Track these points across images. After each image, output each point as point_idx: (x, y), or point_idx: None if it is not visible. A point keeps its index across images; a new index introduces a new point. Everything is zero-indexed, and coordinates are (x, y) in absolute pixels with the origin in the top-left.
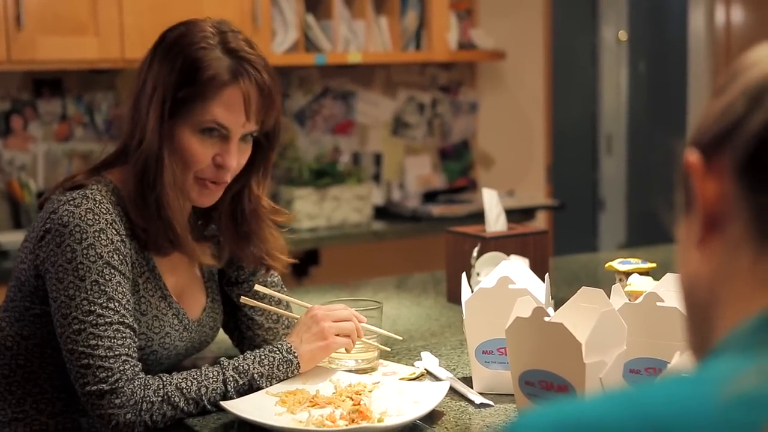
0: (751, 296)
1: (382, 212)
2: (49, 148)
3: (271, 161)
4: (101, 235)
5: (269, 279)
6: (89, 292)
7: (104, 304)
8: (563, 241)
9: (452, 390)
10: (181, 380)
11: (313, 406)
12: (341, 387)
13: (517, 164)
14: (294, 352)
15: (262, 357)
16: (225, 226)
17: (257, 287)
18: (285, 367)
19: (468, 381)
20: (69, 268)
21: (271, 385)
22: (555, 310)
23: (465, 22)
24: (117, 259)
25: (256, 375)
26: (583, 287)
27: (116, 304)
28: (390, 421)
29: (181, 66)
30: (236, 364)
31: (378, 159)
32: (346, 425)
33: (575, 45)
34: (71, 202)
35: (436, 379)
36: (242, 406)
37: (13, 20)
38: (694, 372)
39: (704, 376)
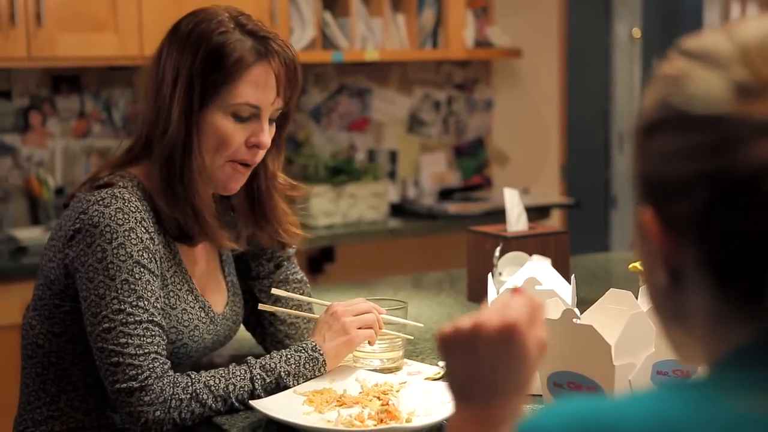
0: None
1: (397, 210)
2: (67, 144)
3: (285, 137)
4: (131, 234)
5: (292, 276)
6: (119, 291)
7: (134, 303)
8: (575, 239)
9: None
10: (209, 378)
11: (341, 405)
12: (368, 387)
13: (531, 162)
14: (319, 350)
15: (288, 356)
16: (241, 206)
17: (274, 291)
18: (312, 365)
19: None
20: (99, 268)
21: (298, 383)
22: (578, 309)
23: (481, 20)
24: (147, 257)
25: (282, 373)
26: (611, 289)
27: (146, 302)
28: (418, 421)
29: (205, 53)
30: (263, 363)
31: (393, 156)
32: (375, 425)
33: (589, 43)
34: (101, 202)
35: None
36: (270, 405)
37: (33, 18)
38: (705, 380)
39: (715, 387)
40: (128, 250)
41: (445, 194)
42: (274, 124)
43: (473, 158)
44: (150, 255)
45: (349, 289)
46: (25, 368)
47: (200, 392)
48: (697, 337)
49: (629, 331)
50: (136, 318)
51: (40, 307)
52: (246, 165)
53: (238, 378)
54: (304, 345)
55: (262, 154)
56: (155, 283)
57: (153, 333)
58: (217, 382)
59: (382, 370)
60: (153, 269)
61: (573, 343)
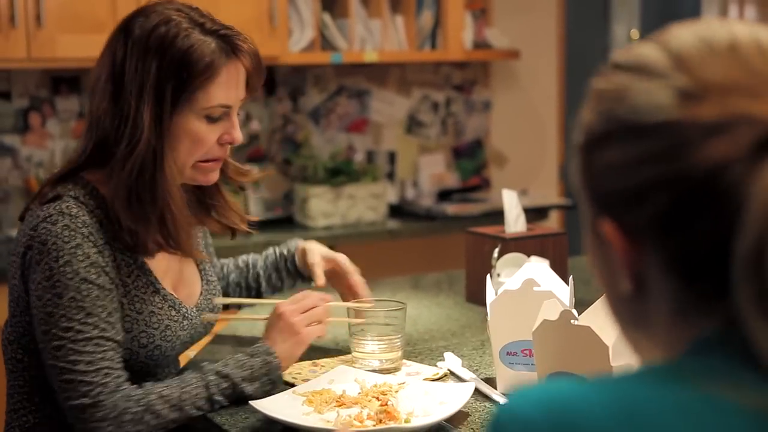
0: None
1: (396, 210)
2: (67, 145)
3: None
4: (77, 251)
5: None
6: (66, 309)
7: (82, 320)
8: (574, 240)
9: (476, 391)
10: (163, 388)
11: (340, 406)
12: (367, 387)
13: (530, 163)
14: (273, 353)
15: (243, 361)
16: (190, 197)
17: (216, 300)
18: (267, 368)
19: (491, 382)
20: (47, 286)
21: (254, 388)
22: (576, 311)
23: (480, 22)
24: (94, 273)
25: (237, 379)
26: None
27: (95, 318)
28: (417, 421)
29: (172, 59)
30: (218, 369)
31: (392, 157)
32: (374, 425)
33: (587, 44)
34: (48, 219)
35: (460, 379)
36: (270, 406)
37: (33, 19)
38: (669, 366)
39: (679, 373)
40: (74, 267)
41: (444, 195)
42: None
43: (472, 159)
44: (98, 270)
45: None
46: (8, 380)
47: (154, 403)
48: (658, 338)
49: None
50: (85, 335)
51: (14, 324)
52: (218, 160)
53: (193, 386)
54: (257, 349)
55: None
56: (107, 297)
57: (104, 348)
58: (171, 392)
59: (381, 371)
60: (102, 283)
61: (571, 344)
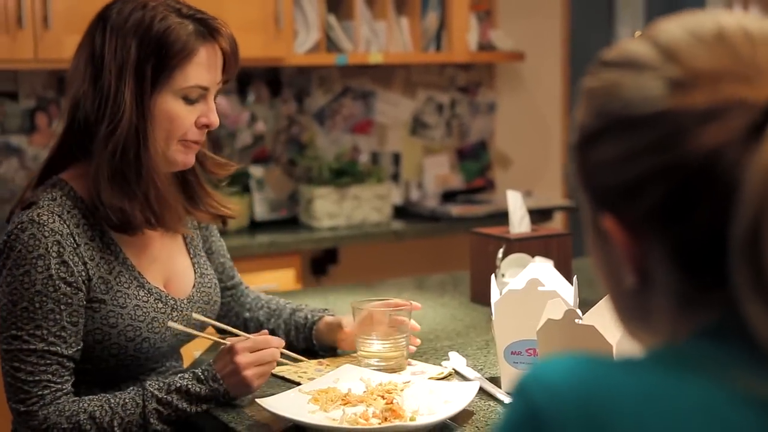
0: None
1: (401, 212)
2: None
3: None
4: (38, 262)
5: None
6: (17, 318)
7: (30, 332)
8: (578, 241)
9: (481, 390)
10: (97, 408)
11: (346, 404)
12: (372, 386)
13: (534, 165)
14: (220, 380)
15: (189, 387)
16: (176, 189)
17: (195, 315)
18: (213, 394)
19: (495, 381)
20: (6, 291)
21: (199, 410)
22: (580, 310)
23: (485, 23)
24: (51, 285)
25: (180, 406)
26: None
27: (44, 331)
28: (422, 420)
29: (149, 39)
30: (159, 397)
31: (397, 159)
32: (379, 423)
33: (592, 45)
34: (19, 227)
35: (465, 379)
36: (276, 404)
37: (40, 20)
38: (682, 353)
39: (693, 361)
40: (32, 278)
41: (448, 196)
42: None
43: (476, 161)
44: (57, 282)
45: (352, 290)
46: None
47: (83, 423)
48: (661, 331)
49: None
50: (30, 347)
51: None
52: (197, 143)
53: (128, 412)
54: (204, 374)
55: (206, 132)
56: (64, 310)
57: (47, 361)
58: (103, 414)
59: (386, 370)
60: (58, 297)
61: (575, 344)
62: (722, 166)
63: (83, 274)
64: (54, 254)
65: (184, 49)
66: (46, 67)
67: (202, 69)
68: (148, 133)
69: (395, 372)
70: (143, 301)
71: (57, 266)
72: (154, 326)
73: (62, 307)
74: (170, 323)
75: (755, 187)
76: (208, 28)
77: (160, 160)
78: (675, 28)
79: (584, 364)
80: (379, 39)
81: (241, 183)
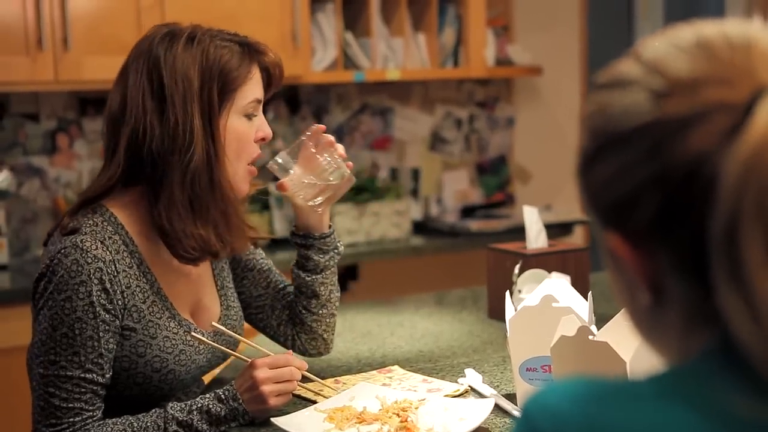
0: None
1: (420, 227)
2: (94, 165)
3: None
4: (80, 288)
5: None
6: (57, 343)
7: (69, 358)
8: (598, 255)
9: (496, 407)
10: None
11: (361, 422)
12: (387, 404)
13: (554, 179)
14: (239, 399)
15: (210, 407)
16: None
17: (214, 324)
18: (233, 414)
19: (512, 398)
20: (47, 315)
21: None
22: (596, 326)
23: (502, 38)
24: (91, 312)
25: (201, 428)
26: None
27: (81, 358)
28: None
29: (209, 69)
30: (180, 419)
31: (416, 174)
32: None
33: (610, 59)
34: (62, 252)
35: (481, 395)
36: (291, 422)
37: (60, 42)
38: (678, 379)
39: (688, 389)
40: (74, 304)
41: (468, 212)
42: None
43: (495, 175)
44: (97, 309)
45: (372, 306)
46: (33, 399)
47: None
48: (673, 347)
49: (645, 348)
50: (68, 373)
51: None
52: (253, 164)
53: None
54: (225, 394)
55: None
56: (102, 337)
57: (82, 389)
58: None
59: (339, 187)
60: (98, 324)
61: (588, 360)
62: (709, 169)
63: (120, 302)
64: (96, 281)
65: (242, 69)
66: (66, 89)
67: (257, 83)
68: (220, 155)
69: (349, 183)
70: (173, 333)
71: (98, 293)
72: (181, 359)
73: (101, 334)
74: (193, 333)
75: (732, 181)
76: (249, 48)
77: (231, 182)
78: (658, 42)
79: (588, 390)
80: (397, 55)
81: (261, 200)
